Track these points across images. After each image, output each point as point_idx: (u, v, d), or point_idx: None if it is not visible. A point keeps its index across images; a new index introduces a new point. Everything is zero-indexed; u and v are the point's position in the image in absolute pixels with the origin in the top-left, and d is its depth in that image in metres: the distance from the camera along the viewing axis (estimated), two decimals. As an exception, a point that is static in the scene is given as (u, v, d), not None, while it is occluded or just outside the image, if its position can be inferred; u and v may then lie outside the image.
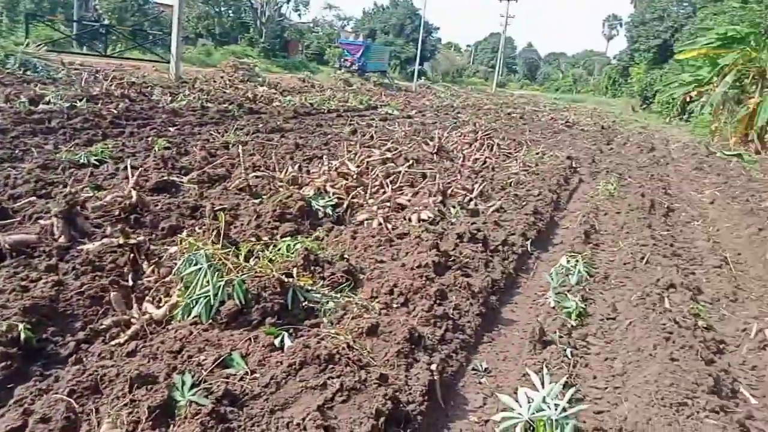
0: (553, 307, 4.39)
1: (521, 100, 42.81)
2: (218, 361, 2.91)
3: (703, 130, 23.13)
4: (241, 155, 6.29)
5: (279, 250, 4.26)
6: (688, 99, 26.20)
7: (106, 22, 29.05)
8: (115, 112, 11.10)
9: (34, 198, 5.21)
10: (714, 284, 5.51)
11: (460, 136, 13.05)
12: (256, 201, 5.84)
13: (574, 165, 11.84)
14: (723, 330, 4.51)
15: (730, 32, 19.85)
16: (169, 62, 20.53)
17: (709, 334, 4.19)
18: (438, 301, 4.00)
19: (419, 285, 4.08)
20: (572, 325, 4.12)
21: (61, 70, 15.94)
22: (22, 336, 3.01)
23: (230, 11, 42.24)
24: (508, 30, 64.10)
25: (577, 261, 5.34)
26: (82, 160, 6.99)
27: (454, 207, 6.79)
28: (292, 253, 4.20)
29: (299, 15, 44.94)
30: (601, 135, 20.10)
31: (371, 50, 40.81)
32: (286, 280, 3.58)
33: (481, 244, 5.30)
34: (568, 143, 16.31)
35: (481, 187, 7.68)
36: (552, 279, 4.92)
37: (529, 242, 6.06)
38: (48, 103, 10.62)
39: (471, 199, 7.24)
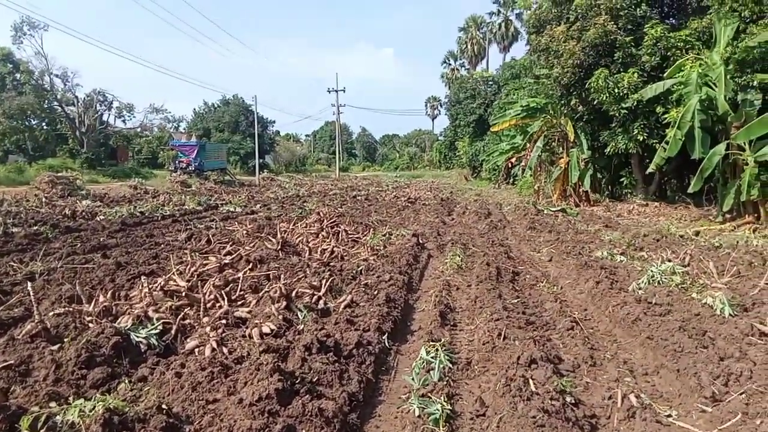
0: (419, 416, 3.90)
1: (365, 181, 44.32)
2: None
3: (528, 191, 25.42)
4: (31, 293, 5.15)
5: (70, 416, 3.30)
6: (510, 165, 28.95)
7: None
8: None
9: None
10: (571, 349, 5.45)
11: (305, 227, 12.62)
12: (55, 348, 4.73)
13: (421, 241, 11.94)
14: (590, 401, 4.35)
15: (532, 104, 22.49)
16: (-36, 185, 17.94)
17: (580, 411, 3.97)
18: (286, 442, 3.31)
19: (260, 426, 3.37)
20: (442, 435, 3.65)
21: None
22: None
23: (44, 124, 38.92)
24: (343, 117, 67.19)
25: (437, 350, 4.99)
26: None
27: (301, 310, 6.18)
28: (89, 417, 3.27)
29: (124, 121, 42.77)
30: (441, 207, 21.03)
31: (207, 149, 39.93)
32: (72, 466, 2.69)
33: (332, 353, 4.73)
34: (412, 219, 16.69)
35: (330, 282, 7.20)
36: (414, 380, 4.47)
37: (385, 337, 5.62)
38: None
39: (319, 298, 6.70)
